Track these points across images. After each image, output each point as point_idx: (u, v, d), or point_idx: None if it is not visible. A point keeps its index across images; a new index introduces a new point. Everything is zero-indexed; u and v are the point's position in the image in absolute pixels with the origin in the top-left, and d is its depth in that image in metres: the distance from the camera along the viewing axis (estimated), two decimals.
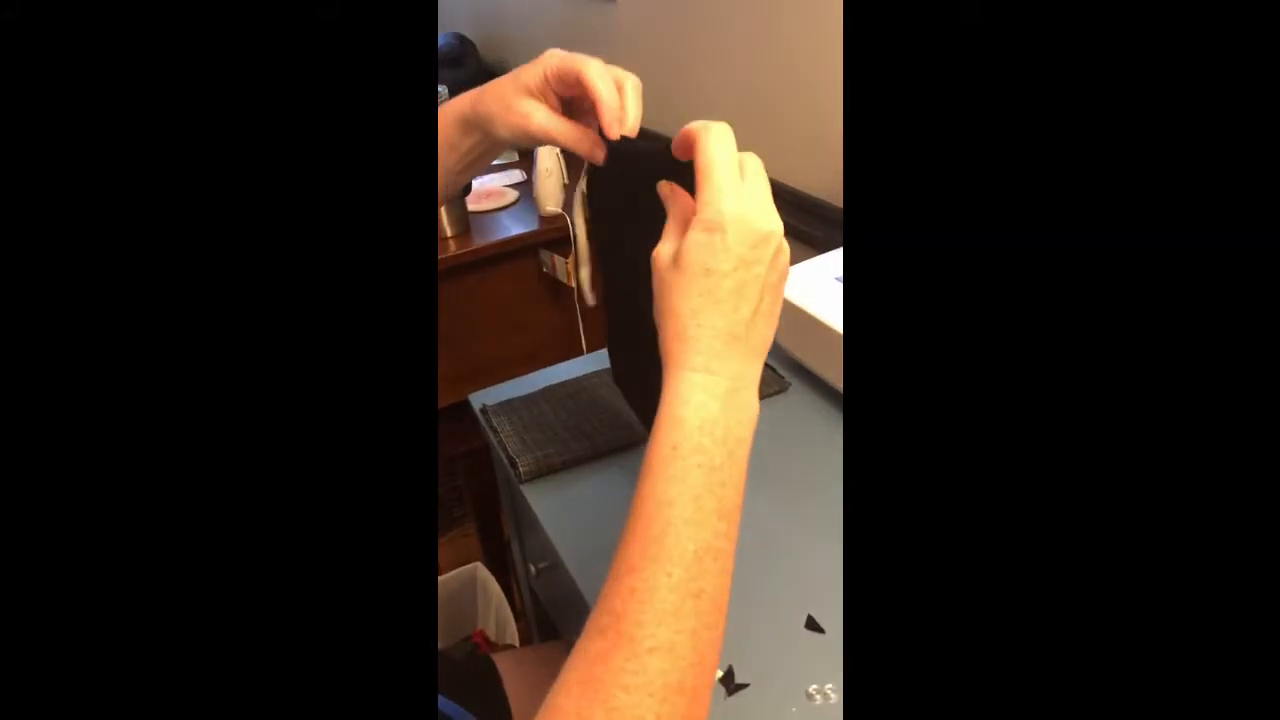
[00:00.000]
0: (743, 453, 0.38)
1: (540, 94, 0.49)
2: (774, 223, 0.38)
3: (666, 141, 0.46)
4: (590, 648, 0.35)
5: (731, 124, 0.41)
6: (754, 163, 0.40)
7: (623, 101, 0.46)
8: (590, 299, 1.20)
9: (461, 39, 1.84)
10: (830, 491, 0.66)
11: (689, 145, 0.41)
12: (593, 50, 0.49)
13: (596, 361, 0.85)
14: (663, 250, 0.40)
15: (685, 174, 0.44)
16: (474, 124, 0.52)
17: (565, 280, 1.22)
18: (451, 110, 0.53)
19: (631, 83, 0.47)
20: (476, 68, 1.85)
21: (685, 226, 0.40)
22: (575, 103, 0.51)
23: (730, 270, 0.37)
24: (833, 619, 0.55)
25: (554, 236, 1.22)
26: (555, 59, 0.48)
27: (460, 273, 1.19)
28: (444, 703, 0.68)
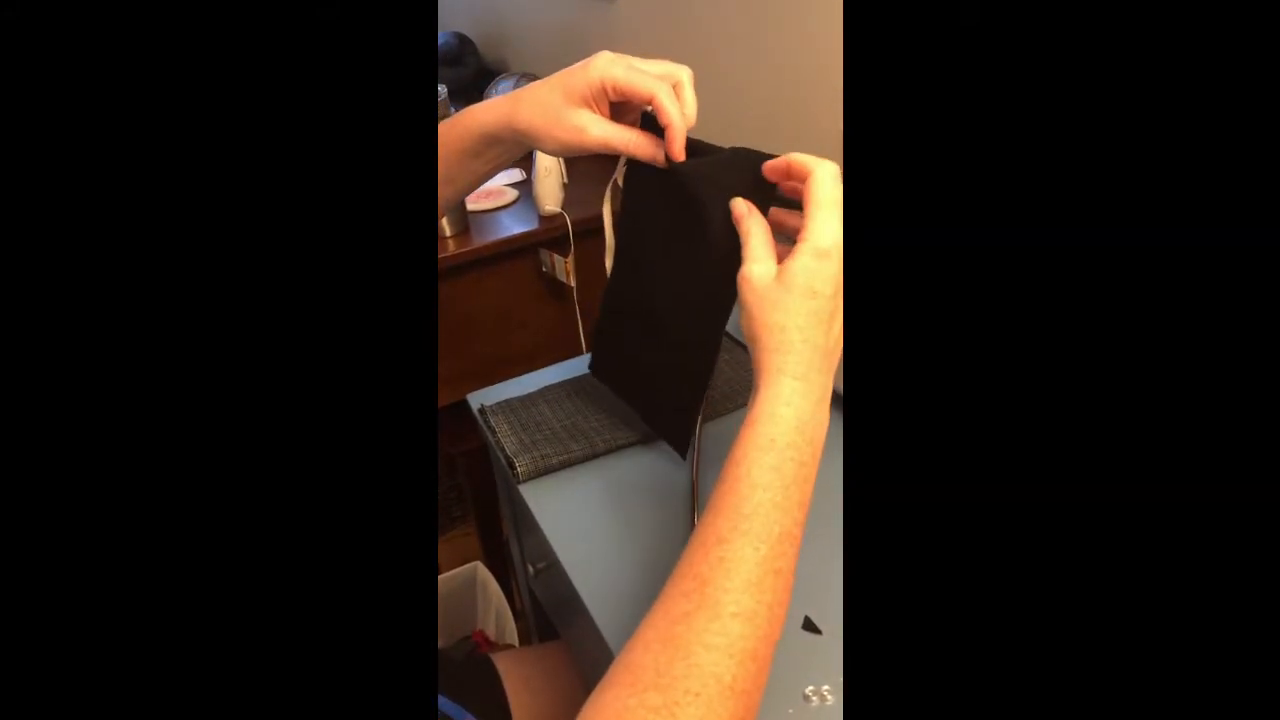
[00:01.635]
0: (818, 456, 0.42)
1: (592, 102, 0.48)
2: (840, 255, 0.42)
3: (719, 151, 0.47)
4: (672, 610, 0.38)
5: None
6: (831, 197, 0.43)
7: (682, 98, 0.48)
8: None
9: (461, 38, 1.84)
10: (830, 492, 0.66)
11: (793, 174, 0.44)
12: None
13: None
14: (758, 269, 0.43)
15: (741, 188, 0.47)
16: (505, 137, 0.52)
17: (565, 280, 1.22)
18: (475, 121, 0.53)
19: (686, 75, 0.49)
20: (477, 66, 1.84)
21: (769, 247, 0.44)
22: (621, 105, 0.51)
23: (831, 294, 0.41)
24: (830, 620, 0.55)
25: (553, 236, 1.22)
26: (617, 70, 0.47)
27: (459, 272, 1.19)
28: (444, 702, 0.68)
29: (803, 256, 0.41)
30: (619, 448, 0.72)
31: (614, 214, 0.60)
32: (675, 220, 0.53)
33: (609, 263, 0.62)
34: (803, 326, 0.41)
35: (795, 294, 0.41)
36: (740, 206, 0.46)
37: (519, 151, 0.54)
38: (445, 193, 0.58)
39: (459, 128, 0.54)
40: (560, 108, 0.48)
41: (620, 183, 0.58)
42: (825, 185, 0.42)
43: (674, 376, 0.60)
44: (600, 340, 0.69)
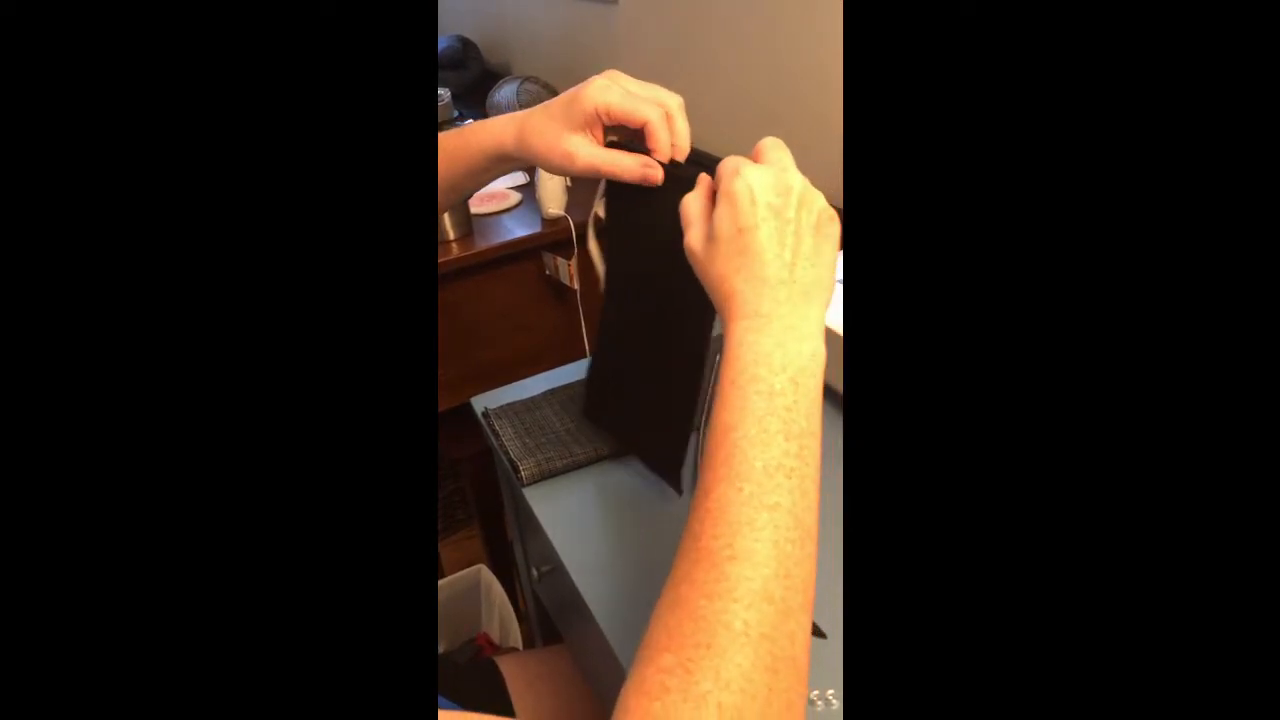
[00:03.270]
0: (809, 382, 0.39)
1: (586, 127, 0.51)
2: (793, 178, 0.42)
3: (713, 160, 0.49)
4: (676, 574, 0.37)
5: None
6: (771, 142, 0.45)
7: (674, 128, 0.51)
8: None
9: (464, 41, 1.84)
10: (831, 493, 0.65)
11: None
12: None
13: None
14: (693, 236, 0.44)
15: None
16: (513, 157, 0.55)
17: (568, 283, 1.22)
18: (490, 142, 0.55)
19: (676, 103, 0.51)
20: (480, 70, 1.85)
21: (703, 212, 0.44)
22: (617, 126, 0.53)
23: (760, 221, 0.41)
24: (835, 624, 0.54)
25: (557, 239, 1.22)
26: (611, 96, 0.50)
27: (463, 275, 1.19)
28: (448, 706, 0.67)
29: (719, 206, 0.42)
30: (623, 451, 0.72)
31: (600, 245, 0.62)
32: (657, 231, 0.54)
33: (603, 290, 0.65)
34: (739, 268, 0.41)
35: (723, 243, 0.42)
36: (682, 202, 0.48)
37: (522, 165, 0.57)
38: (449, 200, 0.61)
39: (472, 147, 0.56)
40: (558, 134, 0.51)
41: (601, 214, 0.60)
42: (724, 163, 0.44)
43: (664, 402, 0.61)
44: (591, 383, 0.71)
